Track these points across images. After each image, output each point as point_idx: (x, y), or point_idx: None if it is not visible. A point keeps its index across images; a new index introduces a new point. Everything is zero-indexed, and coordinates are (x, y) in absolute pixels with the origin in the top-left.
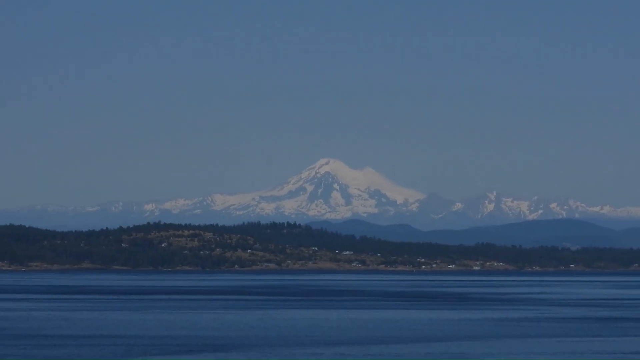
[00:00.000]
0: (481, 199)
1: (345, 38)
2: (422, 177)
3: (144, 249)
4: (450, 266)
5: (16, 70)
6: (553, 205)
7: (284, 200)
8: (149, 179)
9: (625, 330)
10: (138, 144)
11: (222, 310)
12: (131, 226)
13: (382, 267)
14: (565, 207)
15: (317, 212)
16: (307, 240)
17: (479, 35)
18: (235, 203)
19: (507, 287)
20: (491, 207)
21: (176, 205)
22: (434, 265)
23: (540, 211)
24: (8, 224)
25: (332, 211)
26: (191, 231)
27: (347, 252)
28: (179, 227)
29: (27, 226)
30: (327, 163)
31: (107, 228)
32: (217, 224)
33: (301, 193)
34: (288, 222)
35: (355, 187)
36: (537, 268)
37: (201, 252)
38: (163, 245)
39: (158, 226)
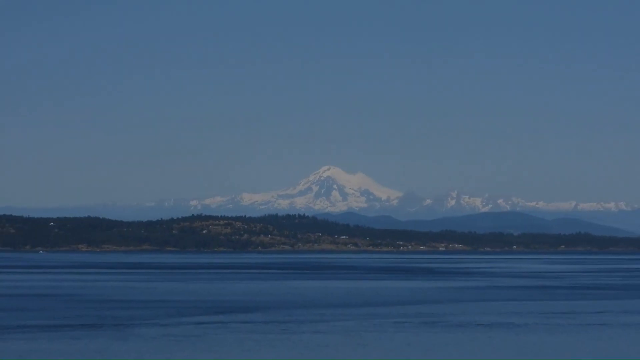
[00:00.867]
0: (445, 196)
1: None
2: (401, 180)
3: (190, 234)
4: (422, 247)
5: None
6: (500, 201)
7: (295, 197)
8: (194, 182)
9: (555, 295)
10: (186, 154)
11: (249, 280)
12: (180, 217)
13: (370, 248)
14: (509, 202)
15: (320, 206)
16: (313, 228)
17: (457, 51)
18: (258, 200)
19: (465, 263)
20: (453, 202)
21: (214, 201)
22: (409, 247)
23: (490, 205)
24: (86, 215)
25: (332, 206)
26: (225, 221)
27: (344, 237)
28: (215, 218)
29: (100, 217)
30: (328, 169)
31: (161, 219)
32: (244, 216)
33: (309, 192)
34: (299, 214)
35: (350, 188)
36: (488, 249)
37: (233, 237)
38: (204, 232)
39: (200, 217)
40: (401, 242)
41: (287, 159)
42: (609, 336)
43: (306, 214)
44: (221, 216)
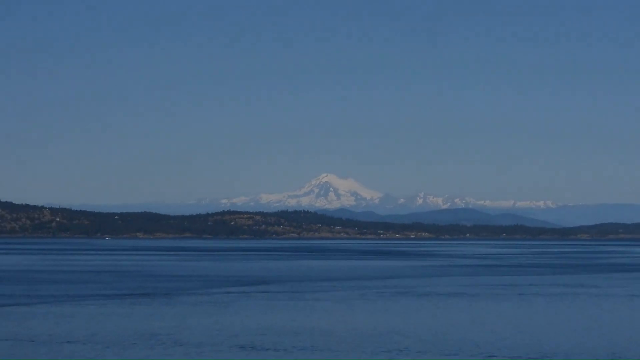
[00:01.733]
0: (415, 196)
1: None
2: (381, 183)
3: (221, 225)
4: (397, 235)
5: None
6: (457, 200)
7: (301, 197)
8: (225, 185)
9: (499, 272)
10: (218, 163)
11: (266, 260)
12: (213, 212)
13: (357, 235)
14: (463, 200)
15: (320, 204)
16: (314, 220)
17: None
18: (273, 199)
19: (430, 247)
20: (421, 201)
21: (239, 200)
22: (387, 235)
23: (449, 203)
24: (143, 210)
25: (329, 204)
26: (248, 215)
27: (338, 227)
28: (241, 213)
29: (153, 212)
30: (326, 175)
31: (199, 213)
32: (263, 211)
33: (311, 193)
34: (304, 210)
35: (343, 190)
36: (447, 236)
37: (254, 227)
38: (232, 223)
39: (229, 212)
40: (381, 231)
41: (295, 168)
42: (539, 303)
43: (309, 210)
44: (245, 211)
